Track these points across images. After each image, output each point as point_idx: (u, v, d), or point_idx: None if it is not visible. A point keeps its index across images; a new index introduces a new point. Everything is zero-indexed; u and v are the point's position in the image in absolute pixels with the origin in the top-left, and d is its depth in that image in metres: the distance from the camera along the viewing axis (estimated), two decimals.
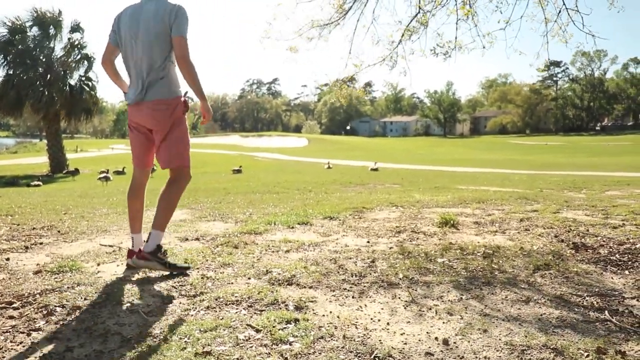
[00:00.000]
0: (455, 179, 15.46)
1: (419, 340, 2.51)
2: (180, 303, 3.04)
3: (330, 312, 2.87)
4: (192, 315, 2.83)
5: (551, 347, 2.43)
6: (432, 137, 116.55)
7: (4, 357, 2.35)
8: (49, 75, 29.34)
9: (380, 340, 2.50)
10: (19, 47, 28.84)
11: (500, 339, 2.53)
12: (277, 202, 7.77)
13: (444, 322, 2.75)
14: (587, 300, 3.16)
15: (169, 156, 3.69)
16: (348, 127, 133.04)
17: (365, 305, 3.00)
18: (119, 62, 3.90)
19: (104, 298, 3.09)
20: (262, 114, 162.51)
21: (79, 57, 30.23)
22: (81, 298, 3.08)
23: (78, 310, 2.88)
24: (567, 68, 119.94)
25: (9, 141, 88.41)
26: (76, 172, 26.34)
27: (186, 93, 3.76)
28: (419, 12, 7.46)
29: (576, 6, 6.41)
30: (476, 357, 2.35)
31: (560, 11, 6.56)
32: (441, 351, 2.40)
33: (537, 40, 7.25)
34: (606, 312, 2.93)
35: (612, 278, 3.65)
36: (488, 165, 27.51)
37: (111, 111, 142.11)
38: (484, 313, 2.90)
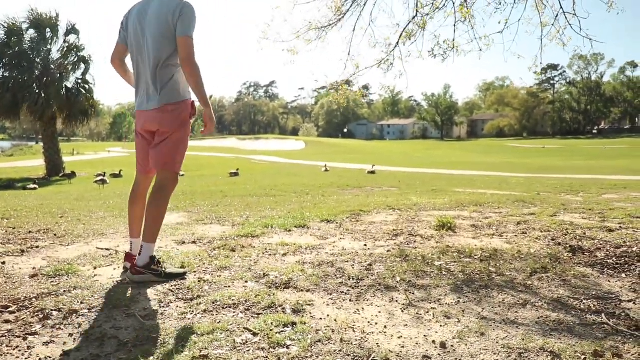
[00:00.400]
0: (452, 181, 15.47)
1: (417, 344, 2.51)
2: (177, 307, 3.03)
3: (328, 315, 2.87)
4: (189, 319, 2.82)
5: (548, 350, 2.43)
6: (430, 140, 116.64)
7: None
8: (45, 78, 29.28)
9: (377, 344, 2.50)
10: (15, 49, 28.78)
11: (497, 342, 2.53)
12: (274, 205, 7.77)
13: (441, 326, 2.75)
14: (584, 303, 3.16)
15: (162, 157, 3.59)
16: (345, 130, 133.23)
17: (363, 309, 3.00)
18: (128, 60, 3.82)
19: (101, 302, 3.08)
20: (260, 116, 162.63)
21: (75, 59, 30.19)
22: (78, 302, 3.07)
23: (74, 314, 2.87)
24: (564, 71, 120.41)
25: (5, 144, 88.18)
26: (73, 175, 26.30)
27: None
28: (416, 14, 7.47)
29: (573, 10, 6.42)
30: None
31: (557, 15, 6.57)
32: (439, 354, 2.40)
33: (535, 43, 7.26)
34: (603, 315, 2.93)
35: (608, 281, 3.66)
36: (485, 168, 27.54)
37: (108, 114, 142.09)
38: (481, 316, 2.90)
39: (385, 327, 2.72)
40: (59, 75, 29.61)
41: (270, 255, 4.27)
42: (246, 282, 3.50)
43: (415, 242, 4.84)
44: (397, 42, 7.69)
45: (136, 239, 3.80)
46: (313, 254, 4.33)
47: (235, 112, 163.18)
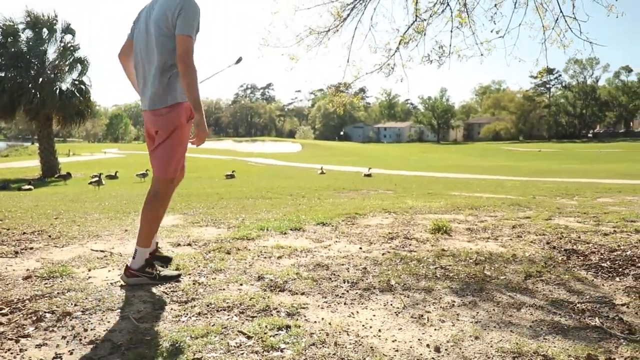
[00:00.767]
0: (448, 185, 15.49)
1: (411, 347, 2.51)
2: (172, 309, 3.02)
3: (322, 318, 2.87)
4: (183, 322, 2.81)
5: (542, 353, 2.44)
6: (426, 143, 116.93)
7: None
8: (41, 79, 29.25)
9: (371, 347, 2.50)
10: (12, 49, 28.75)
11: (491, 346, 2.53)
12: (270, 208, 7.76)
13: (435, 329, 2.75)
14: (578, 307, 3.16)
15: (157, 162, 3.54)
16: (342, 133, 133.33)
17: (357, 312, 3.00)
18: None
19: (95, 304, 3.07)
20: (256, 119, 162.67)
21: (71, 60, 30.15)
22: (71, 304, 3.06)
23: (68, 317, 2.86)
24: (560, 75, 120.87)
25: (1, 144, 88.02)
26: (68, 176, 26.28)
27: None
28: (415, 20, 7.48)
29: (573, 13, 6.44)
30: None
31: (557, 18, 6.59)
32: (432, 358, 2.40)
33: (534, 47, 7.28)
34: (597, 318, 2.93)
35: (603, 285, 3.66)
36: (481, 172, 27.59)
37: (104, 115, 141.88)
38: (475, 320, 2.90)
39: (379, 330, 2.72)
40: (54, 75, 29.57)
41: (265, 258, 4.26)
42: (241, 285, 3.50)
43: (410, 245, 4.84)
44: (397, 47, 7.71)
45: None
46: (308, 256, 4.32)
47: (232, 114, 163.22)
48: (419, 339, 2.61)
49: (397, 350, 2.47)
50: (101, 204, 8.79)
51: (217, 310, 2.98)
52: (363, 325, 2.79)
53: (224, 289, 3.39)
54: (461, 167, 33.79)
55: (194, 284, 3.49)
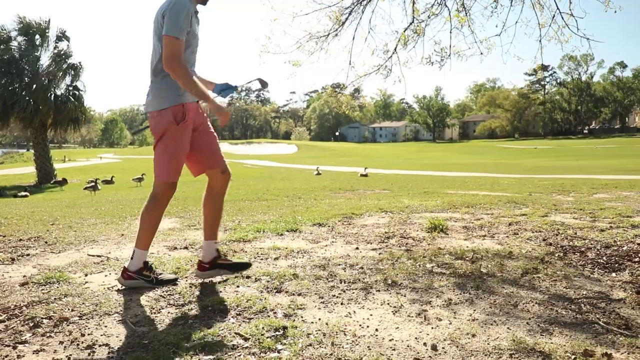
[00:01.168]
0: (444, 183, 15.51)
1: (408, 346, 2.51)
2: (169, 312, 3.02)
3: (319, 319, 2.87)
4: (180, 325, 2.81)
5: (539, 350, 2.44)
6: (422, 142, 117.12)
7: None
8: (34, 85, 29.18)
9: (368, 347, 2.50)
10: (4, 56, 28.68)
11: (488, 344, 2.53)
12: (266, 210, 7.76)
13: (432, 328, 2.75)
14: (574, 303, 3.17)
15: (154, 165, 3.55)
16: (337, 133, 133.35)
17: (354, 312, 3.00)
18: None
19: (92, 309, 3.07)
20: (251, 121, 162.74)
21: (65, 66, 30.07)
22: (68, 309, 3.05)
23: (65, 322, 2.85)
24: (555, 72, 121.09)
25: None
26: (64, 182, 26.20)
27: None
28: (413, 21, 7.50)
29: (570, 10, 6.47)
30: None
31: (554, 15, 6.61)
32: (429, 357, 2.40)
33: (530, 45, 7.31)
34: (594, 314, 2.94)
35: (599, 281, 3.68)
36: (477, 170, 27.62)
37: (99, 120, 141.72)
38: (472, 318, 2.90)
39: (376, 330, 2.72)
40: (48, 82, 29.49)
41: (261, 259, 4.27)
42: (237, 287, 3.50)
43: (407, 244, 4.85)
44: (395, 49, 7.72)
45: (206, 241, 3.78)
46: (305, 257, 4.33)
47: None
48: (416, 338, 2.62)
49: (394, 349, 2.48)
50: (97, 209, 8.78)
51: (214, 313, 2.98)
52: (360, 325, 2.79)
53: (220, 291, 3.39)
54: (457, 166, 33.82)
55: (190, 287, 3.50)
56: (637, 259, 4.17)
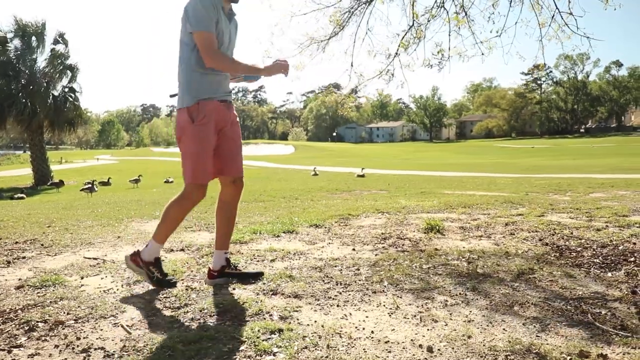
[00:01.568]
0: (441, 183, 15.52)
1: (403, 348, 2.51)
2: (165, 315, 3.02)
3: (315, 321, 2.87)
4: (176, 328, 2.81)
5: (534, 351, 2.44)
6: (419, 142, 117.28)
7: None
8: (31, 87, 29.15)
9: (364, 349, 2.50)
10: (1, 58, 28.66)
11: (484, 345, 2.53)
12: (263, 211, 7.75)
13: (428, 329, 2.75)
14: (570, 303, 3.17)
15: (182, 168, 3.53)
16: (334, 134, 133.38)
17: (350, 314, 3.00)
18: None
19: (87, 312, 3.06)
20: (248, 121, 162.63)
21: (61, 68, 30.06)
22: (64, 313, 3.05)
23: (60, 326, 2.84)
24: (551, 71, 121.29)
25: None
26: (61, 183, 26.18)
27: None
28: (412, 24, 7.51)
29: (569, 9, 6.48)
30: None
31: (553, 15, 6.63)
32: (425, 358, 2.40)
33: (529, 44, 7.34)
34: (589, 314, 2.95)
35: (595, 280, 3.68)
36: (474, 170, 27.65)
37: (96, 122, 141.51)
38: (468, 319, 2.90)
39: (372, 332, 2.72)
40: (45, 83, 29.48)
41: (258, 261, 4.26)
42: (233, 289, 3.49)
43: (403, 245, 4.85)
44: (397, 52, 7.74)
45: (215, 251, 3.75)
46: (301, 259, 4.32)
47: None
48: (411, 340, 2.61)
49: (389, 352, 2.48)
50: (94, 211, 8.76)
51: (210, 316, 2.98)
52: (356, 327, 2.79)
53: (216, 294, 3.39)
54: (454, 165, 33.85)
55: (186, 289, 3.49)
56: (633, 259, 4.18)
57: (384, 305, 3.15)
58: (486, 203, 7.86)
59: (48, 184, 28.22)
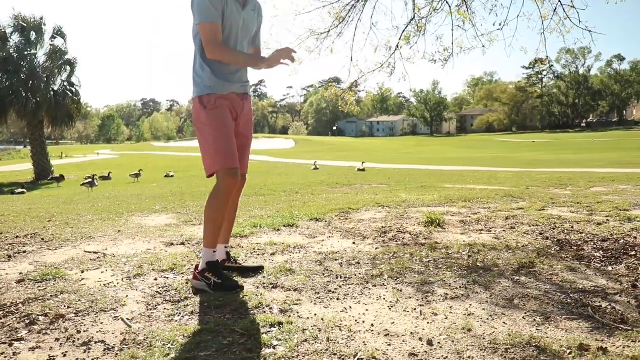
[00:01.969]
0: (442, 177, 15.51)
1: (403, 341, 2.51)
2: (165, 309, 3.02)
3: (315, 314, 2.87)
4: (176, 321, 2.81)
5: (534, 345, 2.45)
6: (419, 136, 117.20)
7: None
8: (31, 82, 29.15)
9: (364, 342, 2.50)
10: (1, 54, 28.64)
11: (484, 338, 2.54)
12: (263, 205, 7.75)
13: (428, 323, 2.76)
14: (571, 297, 3.17)
15: (203, 161, 3.44)
16: (335, 128, 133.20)
17: (350, 307, 3.00)
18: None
19: (88, 306, 3.06)
20: None
21: (60, 62, 30.06)
22: (64, 306, 3.05)
23: (61, 319, 2.85)
24: (552, 65, 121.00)
25: None
26: (61, 178, 26.22)
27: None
28: (413, 17, 7.49)
29: (571, 1, 6.46)
30: (460, 357, 2.35)
31: (555, 8, 6.61)
32: (425, 352, 2.40)
33: (531, 37, 7.32)
34: (589, 308, 2.95)
35: (595, 274, 3.68)
36: (475, 164, 27.63)
37: (96, 116, 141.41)
38: (468, 312, 2.91)
39: (372, 325, 2.72)
40: (45, 78, 29.49)
41: (258, 255, 4.26)
42: None
43: (403, 239, 4.85)
44: (398, 45, 7.72)
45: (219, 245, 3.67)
46: (301, 253, 4.32)
47: None
48: (411, 333, 2.62)
49: (389, 345, 2.48)
50: (94, 206, 8.76)
51: (210, 309, 2.98)
52: (356, 320, 2.79)
53: None
54: (455, 160, 33.83)
55: (187, 283, 3.49)
56: (633, 253, 4.18)
57: (384, 299, 3.15)
58: (487, 197, 7.85)
59: (49, 178, 28.24)
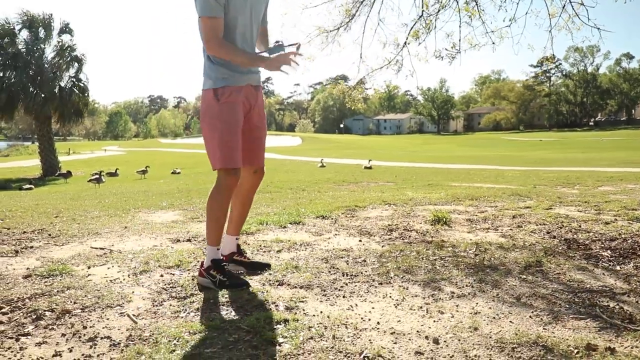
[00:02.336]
0: (449, 176, 15.47)
1: (409, 340, 2.50)
2: (171, 305, 3.02)
3: (321, 312, 2.86)
4: (182, 318, 2.81)
5: (541, 344, 2.43)
6: (426, 134, 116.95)
7: None
8: (39, 78, 29.28)
9: (370, 340, 2.49)
10: (9, 50, 28.79)
11: (490, 337, 2.52)
12: (269, 202, 7.75)
13: (434, 321, 2.75)
14: (578, 296, 3.15)
15: (208, 156, 3.37)
16: (342, 126, 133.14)
17: (356, 305, 2.99)
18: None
19: (94, 301, 3.06)
20: None
21: (69, 58, 30.18)
22: (71, 302, 3.05)
23: (67, 315, 2.85)
24: (560, 64, 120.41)
25: (1, 144, 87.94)
26: (68, 174, 26.33)
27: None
28: (422, 14, 7.46)
29: None
30: (466, 356, 2.34)
31: (564, 5, 6.57)
32: (431, 350, 2.40)
33: (538, 35, 7.29)
34: (597, 308, 2.93)
35: (603, 274, 3.66)
36: (482, 162, 27.55)
37: (104, 113, 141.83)
38: (475, 311, 2.89)
39: (378, 323, 2.72)
40: (52, 74, 29.61)
41: (264, 252, 4.26)
42: None
43: (410, 237, 4.83)
44: (405, 42, 7.70)
45: (228, 235, 3.69)
46: (307, 250, 4.32)
47: None
48: (417, 331, 2.61)
49: (395, 343, 2.47)
50: (101, 202, 8.79)
51: (216, 306, 2.98)
52: (362, 318, 2.78)
53: None
54: (461, 158, 33.73)
55: (193, 279, 3.49)
56: None
57: (390, 297, 3.14)
58: (493, 195, 7.82)
59: (56, 174, 28.39)
